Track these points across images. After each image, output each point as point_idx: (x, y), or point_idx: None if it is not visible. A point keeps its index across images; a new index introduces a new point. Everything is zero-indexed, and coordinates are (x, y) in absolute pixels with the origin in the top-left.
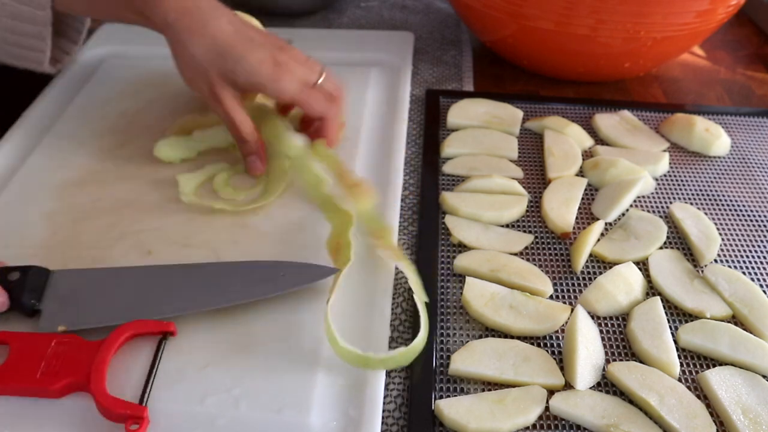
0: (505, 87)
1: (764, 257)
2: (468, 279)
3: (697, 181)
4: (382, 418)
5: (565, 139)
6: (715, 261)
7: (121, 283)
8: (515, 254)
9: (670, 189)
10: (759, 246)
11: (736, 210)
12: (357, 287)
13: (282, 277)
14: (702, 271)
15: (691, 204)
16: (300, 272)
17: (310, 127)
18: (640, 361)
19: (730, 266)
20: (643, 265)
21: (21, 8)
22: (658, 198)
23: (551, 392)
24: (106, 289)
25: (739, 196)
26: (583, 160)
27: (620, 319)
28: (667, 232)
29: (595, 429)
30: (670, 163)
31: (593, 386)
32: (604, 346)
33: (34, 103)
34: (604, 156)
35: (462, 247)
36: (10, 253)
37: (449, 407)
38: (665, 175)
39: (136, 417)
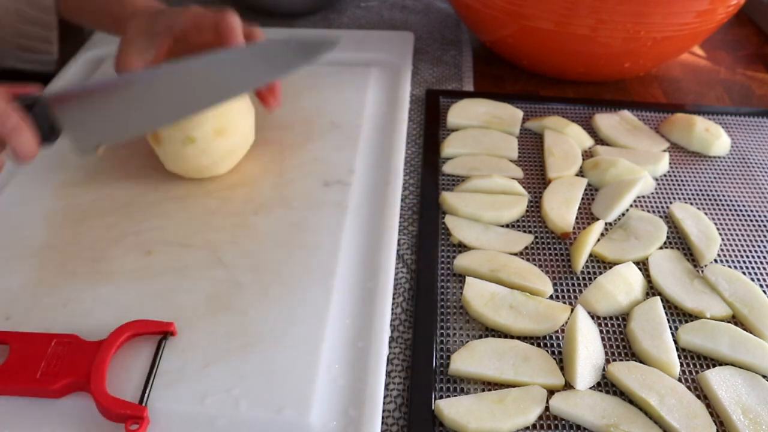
0: (505, 87)
1: (764, 257)
2: (468, 279)
3: (697, 181)
4: (382, 418)
5: (565, 139)
6: (715, 261)
7: (137, 92)
8: (515, 254)
9: (670, 189)
10: (759, 246)
11: (736, 210)
12: (357, 287)
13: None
14: (702, 271)
15: (691, 204)
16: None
17: None
18: (640, 361)
19: (730, 266)
20: (643, 265)
21: (31, 13)
22: (658, 198)
23: (551, 392)
24: (122, 101)
25: (739, 196)
26: (583, 160)
27: (620, 319)
28: (667, 232)
29: (595, 429)
30: (670, 163)
31: (593, 386)
32: (604, 346)
33: None
34: (604, 156)
35: (462, 247)
36: (10, 253)
37: (449, 407)
38: (665, 175)
39: (136, 417)
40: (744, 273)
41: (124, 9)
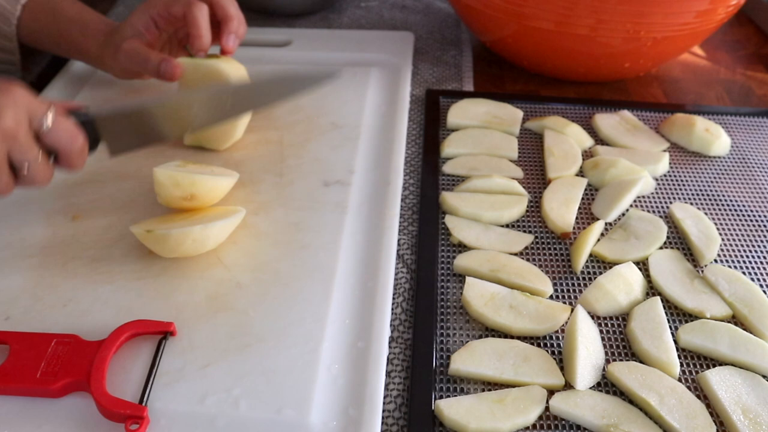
0: (505, 87)
1: (764, 257)
2: (468, 279)
3: (697, 181)
4: (382, 418)
5: (565, 139)
6: (715, 261)
7: (166, 111)
8: (515, 254)
9: (670, 189)
10: (759, 246)
11: (736, 210)
12: (357, 287)
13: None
14: (702, 271)
15: (691, 204)
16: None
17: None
18: (640, 361)
19: (730, 266)
20: (643, 265)
21: None
22: (658, 198)
23: (551, 392)
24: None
25: (739, 196)
26: (583, 160)
27: (620, 319)
28: (667, 232)
29: (595, 429)
30: (670, 163)
31: (593, 386)
32: (604, 346)
33: None
34: (604, 156)
35: (462, 247)
36: (10, 253)
37: (449, 407)
38: (665, 175)
39: (136, 417)
40: (744, 273)
41: (86, 32)
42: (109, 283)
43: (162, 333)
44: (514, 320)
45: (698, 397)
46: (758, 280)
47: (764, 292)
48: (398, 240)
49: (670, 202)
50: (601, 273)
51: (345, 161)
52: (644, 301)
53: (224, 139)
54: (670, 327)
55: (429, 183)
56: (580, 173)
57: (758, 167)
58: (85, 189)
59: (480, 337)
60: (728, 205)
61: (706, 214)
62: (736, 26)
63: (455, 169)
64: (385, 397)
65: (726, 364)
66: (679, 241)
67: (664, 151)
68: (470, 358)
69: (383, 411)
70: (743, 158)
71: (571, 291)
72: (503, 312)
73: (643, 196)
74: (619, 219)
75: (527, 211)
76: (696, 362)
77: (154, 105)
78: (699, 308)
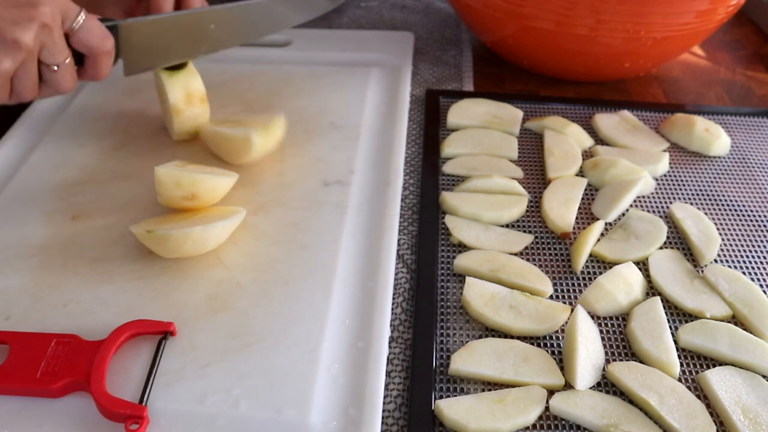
0: (505, 87)
1: (764, 257)
2: (468, 279)
3: (697, 181)
4: (382, 418)
5: (565, 139)
6: (715, 261)
7: (184, 27)
8: (515, 254)
9: (670, 189)
10: (759, 246)
11: (736, 210)
12: (357, 287)
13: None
14: (702, 271)
15: (691, 204)
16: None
17: None
18: (640, 361)
19: (730, 266)
20: (643, 265)
21: None
22: (658, 198)
23: (551, 392)
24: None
25: (739, 196)
26: (583, 160)
27: (620, 319)
28: (667, 232)
29: (595, 429)
30: (670, 163)
31: (593, 386)
32: (604, 346)
33: (34, 102)
34: (604, 156)
35: (462, 247)
36: (10, 253)
37: (449, 407)
38: (665, 175)
39: (136, 416)
40: (744, 273)
41: None
42: (109, 283)
43: (162, 333)
44: (514, 320)
45: (698, 397)
46: (758, 280)
47: (764, 292)
48: (398, 240)
49: (670, 202)
50: (601, 273)
51: (345, 161)
52: (644, 301)
53: (237, 153)
54: (670, 327)
55: (429, 183)
56: (580, 173)
57: (758, 167)
58: (85, 189)
59: (480, 337)
60: (728, 205)
61: (706, 214)
62: (736, 26)
63: (455, 169)
64: (385, 397)
65: (726, 364)
66: (679, 241)
67: (664, 151)
68: (470, 358)
69: (383, 411)
70: (743, 158)
71: (571, 291)
72: (503, 312)
73: (643, 196)
74: (619, 219)
75: (527, 211)
76: (696, 362)
77: (173, 17)
78: (699, 308)
